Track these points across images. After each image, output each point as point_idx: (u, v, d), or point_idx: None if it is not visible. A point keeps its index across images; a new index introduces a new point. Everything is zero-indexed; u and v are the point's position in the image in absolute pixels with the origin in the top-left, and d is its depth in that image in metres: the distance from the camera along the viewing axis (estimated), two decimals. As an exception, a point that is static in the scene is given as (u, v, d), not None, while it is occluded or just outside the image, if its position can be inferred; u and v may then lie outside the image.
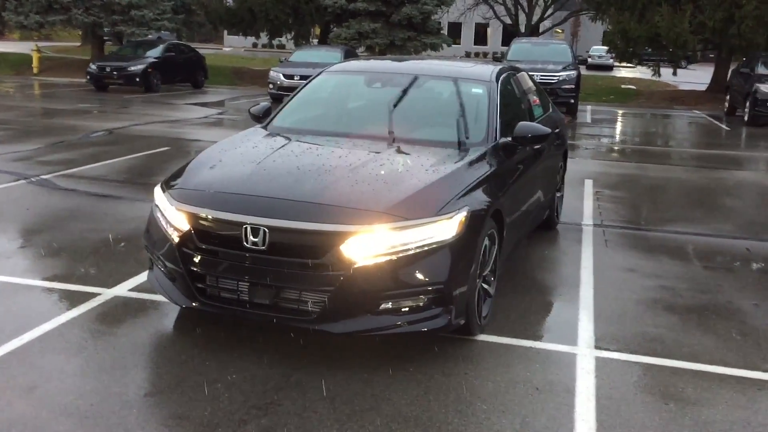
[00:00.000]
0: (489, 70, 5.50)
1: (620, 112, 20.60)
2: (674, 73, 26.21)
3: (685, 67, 42.29)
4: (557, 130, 6.53)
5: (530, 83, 6.36)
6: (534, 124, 5.17)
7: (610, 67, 45.64)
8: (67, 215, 6.85)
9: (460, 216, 3.89)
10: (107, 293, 4.84)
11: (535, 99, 6.23)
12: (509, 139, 4.90)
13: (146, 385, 3.65)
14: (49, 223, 6.56)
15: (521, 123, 4.97)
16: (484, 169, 4.44)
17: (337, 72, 5.85)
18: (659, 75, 25.57)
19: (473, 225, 3.97)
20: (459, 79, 5.51)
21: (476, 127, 4.94)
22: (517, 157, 5.03)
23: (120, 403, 3.45)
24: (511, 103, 5.47)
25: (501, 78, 5.42)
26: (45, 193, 7.81)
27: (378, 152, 4.50)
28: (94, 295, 4.80)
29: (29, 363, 3.82)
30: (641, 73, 36.23)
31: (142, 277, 5.00)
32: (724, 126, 17.53)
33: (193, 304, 4.00)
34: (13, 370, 3.75)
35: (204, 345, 4.09)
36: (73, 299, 4.72)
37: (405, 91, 5.42)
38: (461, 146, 4.72)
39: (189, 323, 4.40)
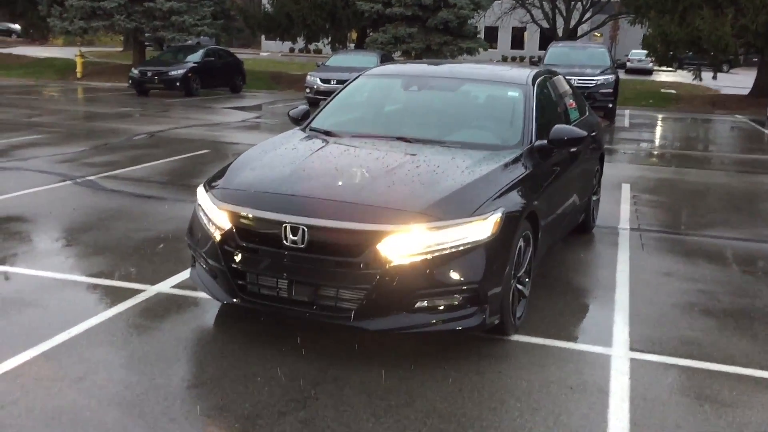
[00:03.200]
0: (525, 73, 5.54)
1: (659, 116, 20.37)
2: (714, 77, 25.77)
3: (727, 71, 41.54)
4: (593, 134, 6.52)
5: (566, 86, 6.37)
6: (570, 127, 5.19)
7: (650, 71, 45.04)
8: (111, 215, 7.06)
9: (495, 217, 3.94)
10: (151, 290, 4.99)
11: (571, 102, 6.24)
12: (545, 141, 4.93)
13: (189, 377, 3.78)
14: (94, 223, 6.77)
15: (557, 126, 5.00)
16: (519, 171, 4.49)
17: (374, 75, 5.95)
18: (700, 79, 25.20)
19: (508, 226, 4.02)
20: (495, 82, 5.57)
21: (512, 129, 4.98)
22: (552, 159, 5.06)
23: (164, 394, 3.58)
24: (547, 106, 5.50)
25: (537, 81, 5.46)
26: (90, 193, 8.05)
27: (414, 154, 4.58)
28: (138, 291, 4.96)
29: (78, 355, 3.98)
30: (682, 77, 35.75)
31: (185, 274, 5.14)
32: (766, 131, 17.23)
33: (234, 300, 4.11)
34: (63, 361, 3.90)
35: (244, 340, 4.21)
36: (119, 295, 4.88)
37: (442, 95, 5.50)
38: (497, 148, 4.77)
39: (230, 319, 4.53)
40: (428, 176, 4.20)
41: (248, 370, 3.85)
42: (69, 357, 3.95)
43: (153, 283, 5.13)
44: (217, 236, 4.11)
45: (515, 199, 4.22)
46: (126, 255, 5.79)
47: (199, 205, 4.37)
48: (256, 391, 3.63)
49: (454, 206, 3.94)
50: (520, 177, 4.43)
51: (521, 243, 4.26)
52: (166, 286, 5.07)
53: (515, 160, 4.60)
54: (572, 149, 5.41)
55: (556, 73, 6.35)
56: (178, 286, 5.08)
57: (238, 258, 4.04)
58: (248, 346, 4.13)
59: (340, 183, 4.14)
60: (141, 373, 3.79)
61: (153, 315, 4.57)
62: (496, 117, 5.25)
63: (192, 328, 4.42)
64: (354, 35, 30.46)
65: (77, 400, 3.51)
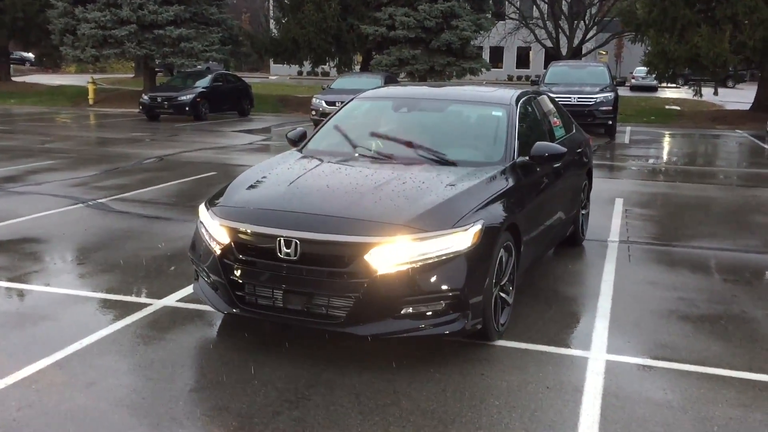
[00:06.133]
0: (509, 94, 5.85)
1: (660, 132, 20.63)
2: (715, 93, 26.08)
3: (732, 87, 41.79)
4: (579, 150, 6.81)
5: (551, 105, 6.67)
6: (550, 143, 5.48)
7: (654, 88, 45.34)
8: (121, 235, 7.39)
9: (475, 228, 4.23)
10: (157, 304, 5.29)
11: (555, 120, 6.53)
12: (527, 158, 5.22)
13: (191, 382, 4.06)
14: (104, 242, 7.10)
15: (538, 143, 5.29)
16: (500, 186, 4.78)
17: (367, 98, 6.27)
18: (700, 95, 25.47)
19: (488, 237, 4.30)
20: (480, 103, 5.88)
21: (495, 147, 5.28)
22: (535, 175, 5.34)
23: (168, 396, 3.86)
24: (531, 124, 5.80)
25: (521, 101, 5.76)
26: (101, 215, 8.40)
27: (402, 171, 4.88)
28: (145, 305, 5.26)
29: (88, 363, 4.27)
30: (686, 93, 36.00)
31: (189, 289, 5.43)
32: (765, 146, 17.44)
33: (234, 310, 4.40)
34: (75, 368, 4.20)
35: (243, 348, 4.50)
36: (127, 309, 5.19)
37: (429, 115, 5.81)
38: (480, 165, 5.06)
39: (230, 329, 4.82)
40: (413, 191, 4.50)
41: (246, 374, 4.13)
42: (80, 365, 4.25)
43: (159, 297, 5.43)
44: (218, 251, 4.41)
45: (495, 212, 4.51)
46: (134, 272, 6.10)
47: (201, 222, 4.68)
48: (253, 393, 3.90)
49: (436, 219, 4.22)
50: (501, 191, 4.72)
51: (503, 253, 4.54)
52: (171, 300, 5.37)
53: (497, 176, 4.89)
54: (556, 165, 5.70)
55: (540, 93, 6.66)
56: (183, 300, 5.37)
57: (236, 271, 4.33)
58: (247, 354, 4.41)
59: (330, 199, 4.44)
60: (147, 379, 4.08)
61: (159, 326, 4.87)
62: (480, 135, 5.55)
63: (195, 337, 4.71)
64: (359, 58, 30.97)
65: (87, 403, 3.80)
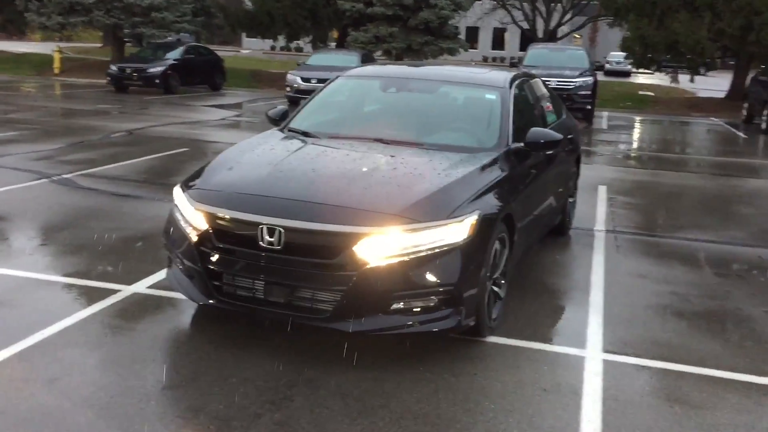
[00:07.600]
0: (503, 76, 5.58)
1: (637, 118, 20.57)
2: (691, 80, 26.15)
3: (704, 74, 42.09)
4: (570, 136, 6.59)
5: (543, 90, 6.42)
6: (546, 130, 5.23)
7: (627, 74, 45.43)
8: (87, 214, 7.00)
9: (471, 219, 3.97)
10: (127, 290, 4.96)
11: (548, 105, 6.29)
12: (521, 144, 4.97)
13: (164, 378, 3.76)
14: (70, 222, 6.71)
15: (533, 129, 5.04)
16: (495, 174, 4.52)
17: (353, 76, 5.95)
18: (677, 82, 25.50)
19: (484, 228, 4.04)
20: (473, 85, 5.60)
21: (489, 132, 5.01)
22: (529, 162, 5.10)
23: (138, 395, 3.56)
24: (524, 109, 5.54)
25: (515, 84, 5.49)
26: (66, 192, 7.98)
27: (392, 156, 4.59)
28: (113, 291, 4.93)
29: (51, 356, 3.95)
30: (659, 79, 36.11)
31: (161, 275, 5.11)
32: (741, 134, 17.46)
33: (210, 301, 4.10)
34: (36, 362, 3.87)
35: (220, 341, 4.20)
36: (94, 295, 4.85)
37: (420, 97, 5.52)
38: (474, 151, 4.79)
39: (206, 320, 4.52)
40: (405, 178, 4.22)
41: (223, 371, 3.84)
42: (43, 358, 3.92)
43: (129, 283, 5.09)
44: (194, 237, 4.10)
45: (491, 202, 4.26)
46: (102, 254, 5.75)
47: (176, 206, 4.35)
48: (231, 393, 3.62)
49: (430, 208, 3.96)
50: (497, 179, 4.47)
51: (497, 245, 4.29)
52: (142, 287, 5.04)
53: (492, 163, 4.63)
54: (548, 152, 5.45)
55: (533, 76, 6.41)
56: (154, 286, 5.05)
57: (214, 259, 4.03)
58: (224, 348, 4.12)
59: (316, 184, 4.15)
60: (115, 375, 3.77)
61: (128, 316, 4.55)
62: (473, 119, 5.28)
63: (167, 329, 4.40)
64: (335, 34, 30.45)
65: (50, 401, 3.49)
